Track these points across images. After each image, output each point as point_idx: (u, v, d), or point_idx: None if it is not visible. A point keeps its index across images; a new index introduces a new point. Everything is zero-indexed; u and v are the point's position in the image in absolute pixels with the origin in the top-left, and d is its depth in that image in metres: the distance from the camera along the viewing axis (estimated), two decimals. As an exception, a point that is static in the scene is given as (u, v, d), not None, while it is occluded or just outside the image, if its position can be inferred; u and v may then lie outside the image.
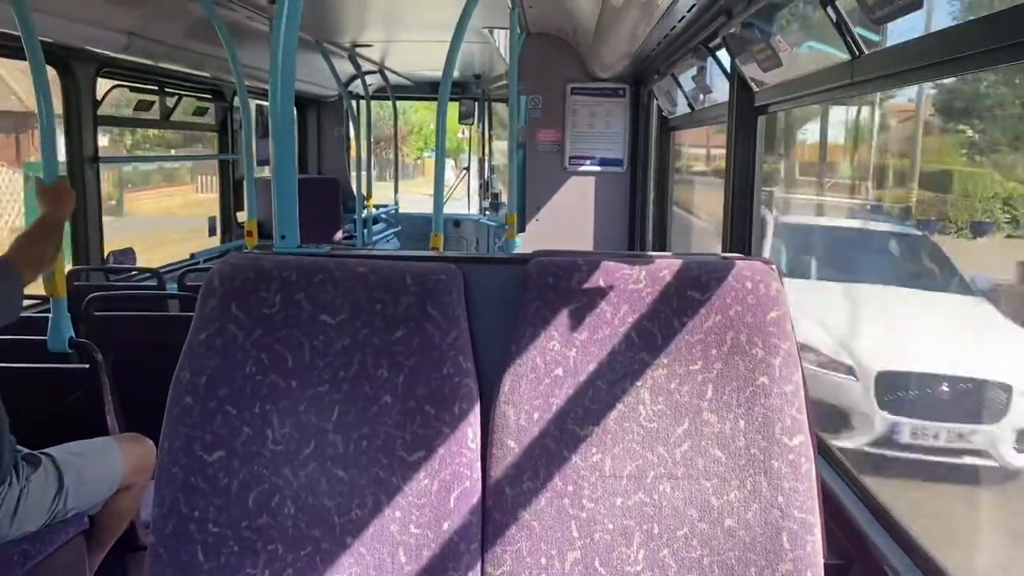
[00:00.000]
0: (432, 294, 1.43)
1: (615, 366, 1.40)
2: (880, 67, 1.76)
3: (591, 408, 1.40)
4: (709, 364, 1.39)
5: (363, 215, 6.94)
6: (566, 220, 5.48)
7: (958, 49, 1.44)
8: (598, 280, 1.43)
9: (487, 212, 8.31)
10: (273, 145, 1.66)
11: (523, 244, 5.23)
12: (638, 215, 5.41)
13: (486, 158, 8.74)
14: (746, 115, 2.72)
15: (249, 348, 1.40)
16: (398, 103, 8.90)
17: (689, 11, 3.09)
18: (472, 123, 8.62)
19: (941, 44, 1.50)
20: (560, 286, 1.43)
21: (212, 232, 6.30)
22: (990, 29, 1.33)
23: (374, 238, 7.35)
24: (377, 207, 7.98)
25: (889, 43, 1.77)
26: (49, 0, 3.28)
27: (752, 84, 2.68)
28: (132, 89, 5.00)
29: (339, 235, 7.19)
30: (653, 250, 4.98)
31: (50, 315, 2.76)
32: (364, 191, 7.08)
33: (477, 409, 1.42)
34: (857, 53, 1.82)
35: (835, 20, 1.85)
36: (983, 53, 1.39)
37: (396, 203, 8.63)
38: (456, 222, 8.39)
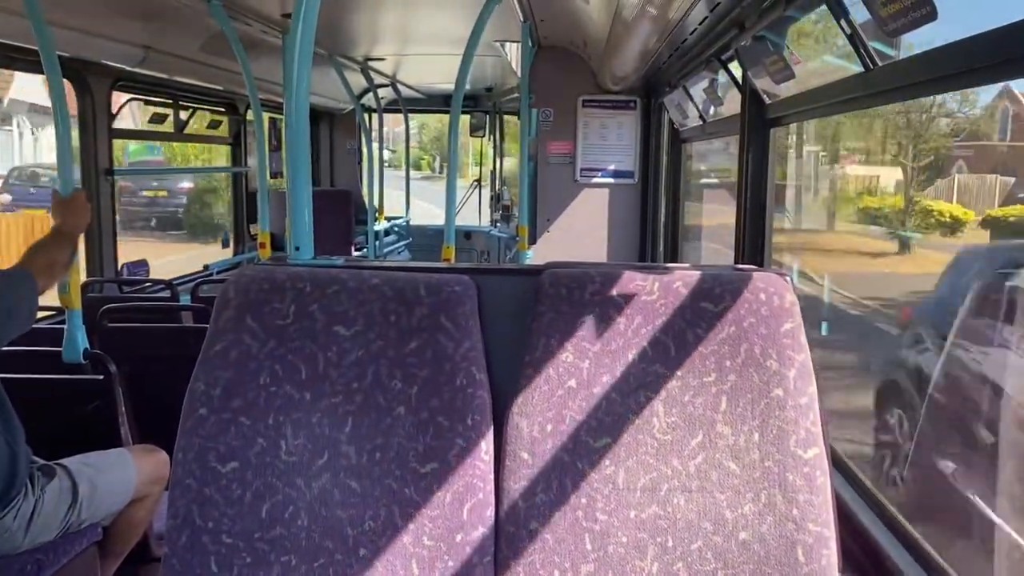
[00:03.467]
0: (445, 305, 1.44)
1: (628, 378, 1.40)
2: (894, 79, 1.76)
3: (604, 420, 1.39)
4: (723, 376, 1.39)
5: (375, 227, 6.96)
6: (578, 232, 5.49)
7: (972, 61, 1.44)
8: (611, 291, 1.43)
9: (498, 224, 8.33)
10: (288, 158, 1.68)
11: (535, 256, 5.23)
12: (650, 227, 5.41)
13: (498, 170, 8.75)
14: (758, 127, 2.72)
15: (263, 359, 1.41)
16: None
17: (701, 24, 3.10)
18: (484, 135, 8.65)
19: (956, 56, 1.50)
20: (573, 297, 1.43)
21: (225, 244, 6.34)
22: (1005, 40, 1.33)
23: (385, 250, 7.37)
24: (389, 219, 8.02)
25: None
26: (66, 15, 3.32)
27: (764, 96, 2.68)
28: (147, 102, 5.05)
29: (354, 250, 7.23)
30: (665, 262, 4.97)
31: (65, 327, 2.78)
32: (376, 203, 7.11)
33: (490, 420, 1.42)
34: (871, 65, 1.82)
35: (848, 33, 1.85)
36: (998, 64, 1.38)
37: (408, 215, 8.66)
38: (467, 234, 8.41)
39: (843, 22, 1.86)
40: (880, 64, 1.80)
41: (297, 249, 1.66)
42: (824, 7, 1.97)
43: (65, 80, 3.07)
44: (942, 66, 1.55)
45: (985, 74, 1.46)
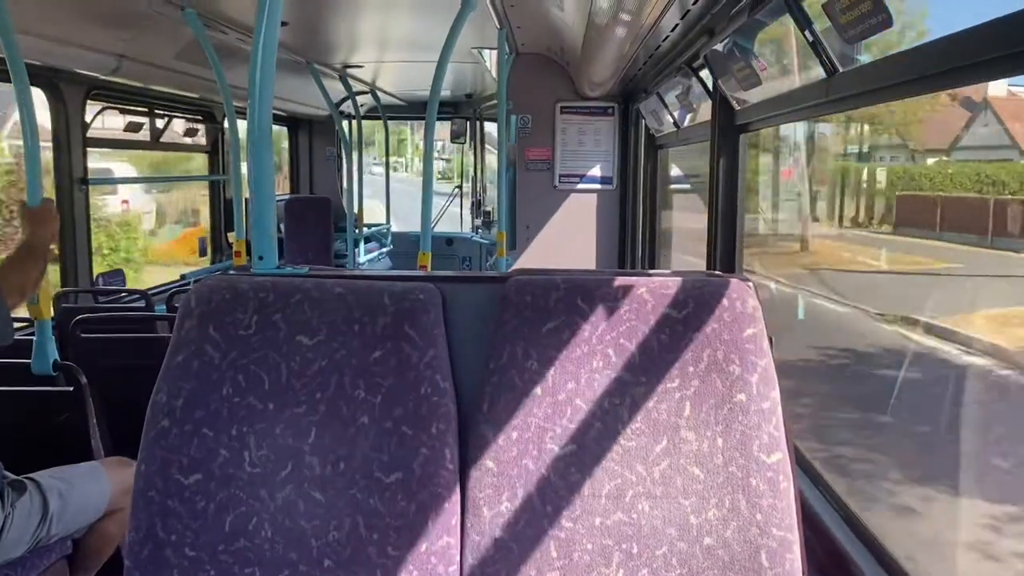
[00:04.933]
0: (409, 314, 1.43)
1: (593, 384, 1.40)
2: (855, 85, 1.78)
3: (569, 427, 1.39)
4: (687, 382, 1.39)
5: (354, 234, 6.95)
6: (557, 238, 5.50)
7: (928, 67, 1.46)
8: (576, 298, 1.43)
9: (479, 230, 8.33)
10: (250, 166, 1.67)
11: (515, 262, 5.24)
12: (628, 232, 5.43)
13: (478, 176, 8.77)
14: (728, 133, 2.74)
15: (226, 370, 1.40)
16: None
17: (673, 30, 3.12)
18: (464, 142, 8.66)
19: (912, 62, 1.52)
20: (538, 305, 1.43)
21: (203, 253, 6.31)
22: (959, 47, 1.35)
23: (366, 257, 7.35)
24: (369, 226, 8.00)
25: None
26: (37, 22, 3.30)
27: (733, 102, 2.70)
28: (122, 111, 5.02)
29: (335, 258, 7.21)
30: (643, 267, 4.99)
31: (35, 338, 2.75)
32: (355, 210, 7.10)
33: (455, 429, 1.41)
34: (832, 71, 1.85)
35: (811, 40, 1.88)
36: (952, 71, 1.40)
37: (388, 222, 8.65)
38: (449, 240, 8.40)
39: (806, 32, 1.89)
40: (841, 70, 1.82)
41: (261, 259, 1.65)
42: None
43: (37, 89, 3.04)
44: (901, 72, 1.57)
45: (944, 79, 1.48)
